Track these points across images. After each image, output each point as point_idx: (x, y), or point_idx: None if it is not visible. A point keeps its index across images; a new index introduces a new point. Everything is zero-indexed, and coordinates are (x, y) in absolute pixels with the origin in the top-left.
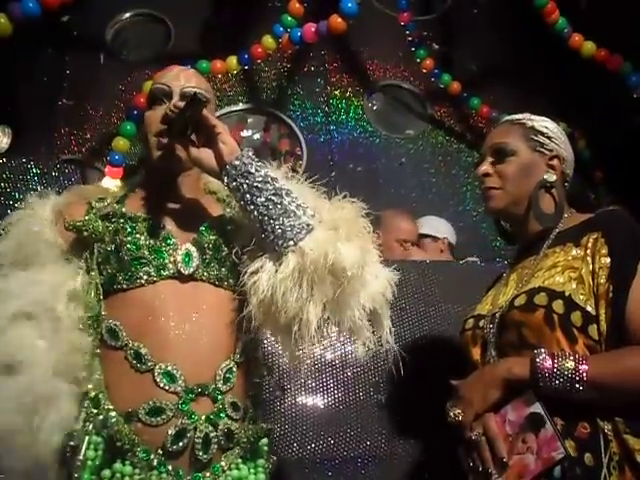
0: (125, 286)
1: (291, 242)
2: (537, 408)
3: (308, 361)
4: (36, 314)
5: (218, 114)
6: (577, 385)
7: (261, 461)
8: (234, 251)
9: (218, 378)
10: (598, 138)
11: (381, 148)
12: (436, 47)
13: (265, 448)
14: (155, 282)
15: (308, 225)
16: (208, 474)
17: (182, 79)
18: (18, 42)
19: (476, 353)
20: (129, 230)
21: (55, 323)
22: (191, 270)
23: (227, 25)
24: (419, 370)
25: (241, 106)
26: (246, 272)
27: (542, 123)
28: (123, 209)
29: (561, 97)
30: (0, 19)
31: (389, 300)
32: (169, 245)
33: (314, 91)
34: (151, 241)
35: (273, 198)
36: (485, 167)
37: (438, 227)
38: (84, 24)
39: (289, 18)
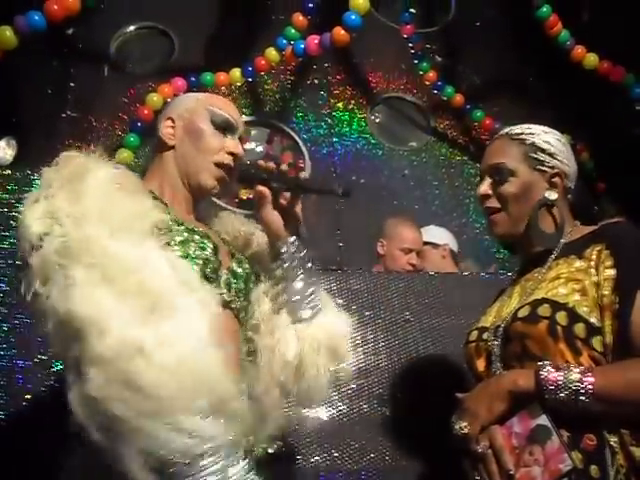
0: None
1: (311, 318)
2: (543, 420)
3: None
4: None
5: None
6: (583, 397)
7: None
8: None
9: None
10: (601, 150)
11: (384, 160)
12: (439, 59)
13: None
14: None
15: (320, 308)
16: None
17: (241, 119)
18: (23, 55)
19: (480, 365)
20: (200, 245)
21: None
22: (230, 298)
23: (231, 38)
24: (423, 382)
25: (244, 118)
26: (269, 326)
27: (543, 137)
28: (177, 217)
29: (564, 109)
30: (6, 32)
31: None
32: (219, 269)
33: (317, 103)
34: (215, 262)
35: (309, 279)
36: (484, 188)
37: (438, 235)
38: (89, 37)
39: (292, 31)
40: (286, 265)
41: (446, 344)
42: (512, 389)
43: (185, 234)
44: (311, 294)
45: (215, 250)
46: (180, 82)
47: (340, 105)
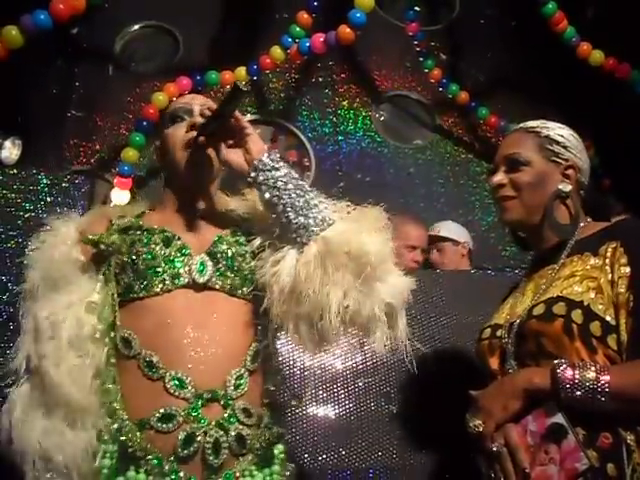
0: (141, 295)
1: (313, 232)
2: (559, 418)
3: (319, 371)
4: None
5: None
6: (599, 396)
7: (276, 468)
8: (249, 252)
9: (228, 384)
10: (607, 146)
11: (389, 158)
12: (444, 57)
13: (281, 455)
14: (170, 291)
15: (330, 218)
16: None
17: (198, 100)
18: (29, 54)
19: (494, 363)
20: (145, 241)
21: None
22: (205, 279)
23: (236, 36)
24: (431, 380)
25: (249, 117)
26: (267, 262)
27: (557, 131)
28: (140, 222)
29: (569, 106)
30: (12, 31)
31: (406, 301)
32: (184, 255)
33: (322, 102)
34: (166, 251)
35: (298, 191)
36: (499, 177)
37: (458, 231)
38: (93, 36)
39: (297, 29)
40: (264, 193)
41: (454, 342)
42: (528, 387)
43: (136, 237)
44: (305, 208)
45: (167, 240)
46: (185, 81)
47: (345, 103)
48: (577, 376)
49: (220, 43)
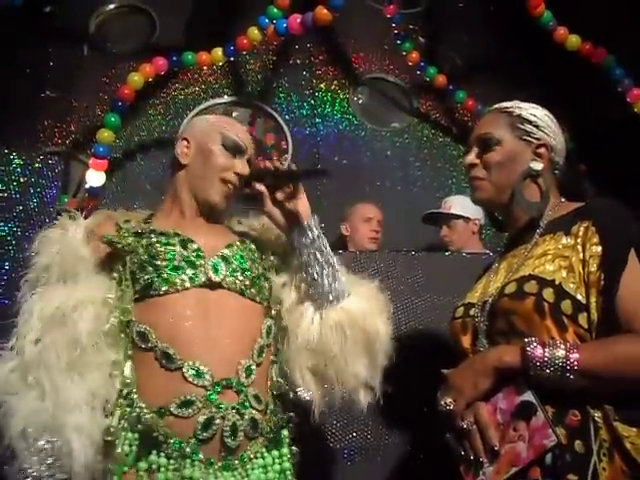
0: (161, 292)
1: (335, 301)
2: (528, 396)
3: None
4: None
5: (202, 107)
6: (568, 373)
7: (285, 450)
8: (271, 261)
9: (240, 373)
10: (582, 131)
11: (367, 141)
12: (422, 40)
13: (287, 440)
14: (188, 289)
15: (347, 292)
16: (237, 461)
17: (252, 142)
18: (1, 32)
19: (466, 341)
20: (163, 242)
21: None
22: (220, 278)
23: (212, 16)
24: (405, 361)
25: (226, 99)
26: (291, 313)
27: (530, 111)
28: (152, 227)
29: (546, 90)
30: None
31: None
32: (199, 257)
33: (300, 84)
34: (184, 252)
35: (329, 262)
36: (471, 157)
37: (470, 207)
38: (67, 15)
39: (275, 9)
40: (302, 254)
41: (428, 323)
42: (498, 365)
43: (153, 239)
44: (331, 277)
45: (184, 242)
46: (161, 61)
47: (323, 86)
48: (547, 354)
49: (197, 23)
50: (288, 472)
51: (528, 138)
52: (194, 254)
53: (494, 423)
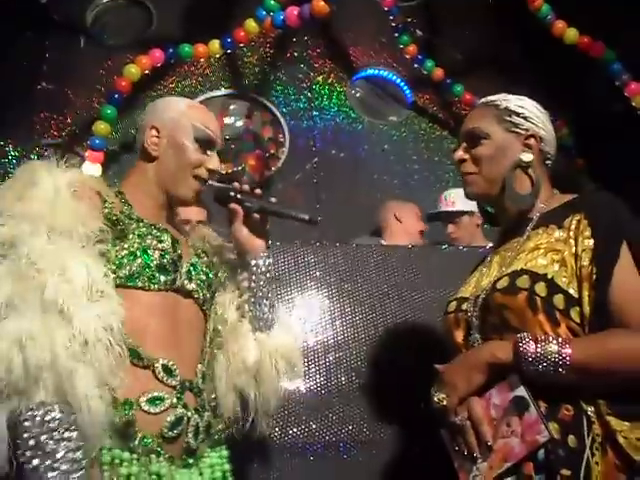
0: (144, 286)
1: (271, 329)
2: (521, 392)
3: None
4: None
5: (199, 99)
6: (560, 369)
7: (224, 452)
8: (221, 276)
9: (198, 376)
10: (580, 126)
11: (364, 134)
12: (419, 33)
13: (223, 442)
14: (167, 290)
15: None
16: (192, 460)
17: (221, 137)
18: None
19: (459, 336)
20: (158, 237)
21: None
22: (191, 287)
23: (209, 8)
24: (401, 355)
25: (223, 91)
26: (238, 333)
27: (517, 102)
28: (137, 214)
29: (544, 84)
30: None
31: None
32: (179, 261)
33: (297, 77)
34: (173, 256)
35: (271, 290)
36: (460, 153)
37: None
38: (64, 7)
39: (272, 2)
40: (253, 279)
41: (425, 317)
42: (490, 361)
43: (144, 229)
44: (272, 306)
45: (174, 243)
46: (158, 54)
47: (320, 79)
48: (539, 349)
49: (194, 15)
50: (228, 474)
51: (516, 130)
52: (177, 257)
53: (487, 418)
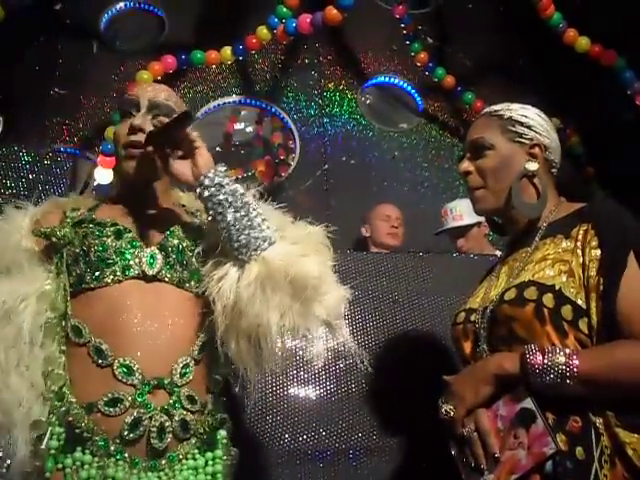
0: (92, 285)
1: (254, 252)
2: (528, 403)
3: (300, 352)
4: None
5: (212, 105)
6: (568, 380)
7: (219, 452)
8: (195, 252)
9: (174, 372)
10: (591, 134)
11: (374, 141)
12: (430, 41)
13: (224, 441)
14: (120, 282)
15: (271, 238)
16: (164, 462)
17: (151, 91)
18: (10, 29)
19: (467, 347)
20: (97, 233)
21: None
22: (155, 271)
23: (221, 15)
24: (411, 362)
25: (234, 98)
26: (212, 279)
27: (520, 112)
28: (93, 216)
29: (555, 92)
30: None
31: (342, 314)
32: (135, 248)
33: (308, 84)
34: (117, 243)
35: (241, 211)
36: (465, 165)
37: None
38: (77, 13)
39: (284, 9)
40: (209, 209)
41: (435, 324)
42: (498, 372)
43: (88, 229)
44: (247, 227)
45: (120, 233)
46: (170, 60)
47: (331, 85)
48: (547, 361)
49: (206, 22)
50: (219, 475)
51: (520, 139)
52: (128, 245)
53: (494, 430)
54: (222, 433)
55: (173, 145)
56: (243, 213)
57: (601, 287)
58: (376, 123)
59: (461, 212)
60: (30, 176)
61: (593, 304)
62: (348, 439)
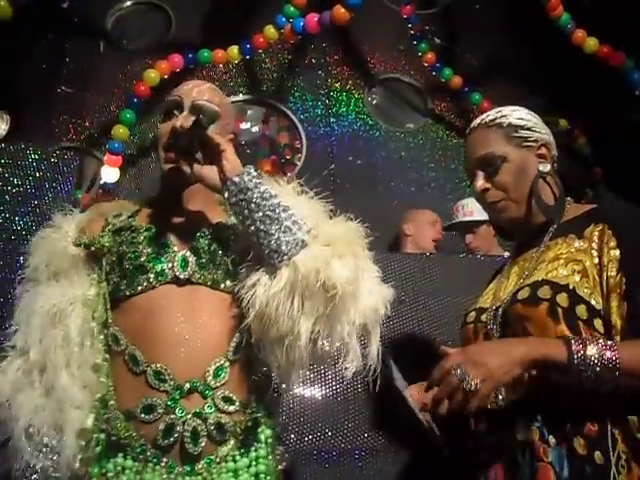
0: (127, 293)
1: (285, 257)
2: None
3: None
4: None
5: None
6: (611, 372)
7: (262, 452)
8: (230, 258)
9: (207, 375)
10: (599, 135)
11: (381, 141)
12: (438, 41)
13: (269, 440)
14: (154, 287)
15: (303, 241)
16: (201, 466)
17: (195, 92)
18: (18, 27)
19: None
20: (131, 241)
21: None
22: (187, 274)
23: (229, 14)
24: (418, 362)
25: (241, 97)
26: (244, 285)
27: (516, 115)
28: (132, 222)
29: (562, 93)
30: (0, 2)
31: (381, 318)
32: (167, 253)
33: (315, 83)
34: (149, 249)
35: (270, 214)
36: (481, 182)
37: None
38: (85, 11)
39: (292, 8)
40: (237, 213)
41: (442, 325)
42: (539, 358)
43: (124, 237)
44: (278, 230)
45: (151, 239)
46: (177, 59)
47: (338, 85)
48: (591, 352)
49: (213, 21)
50: (262, 475)
51: (527, 143)
52: (161, 250)
53: None
54: (267, 432)
55: (198, 149)
56: (273, 216)
57: (623, 287)
58: (383, 123)
59: (472, 209)
60: (37, 174)
61: (614, 304)
62: (354, 439)
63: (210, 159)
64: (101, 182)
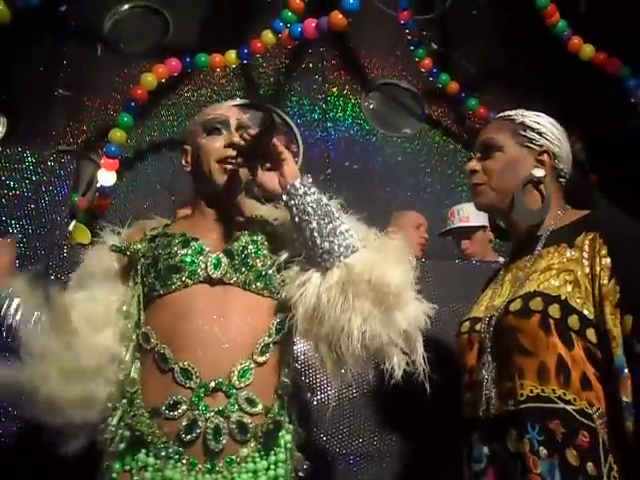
0: (161, 292)
1: (337, 258)
2: None
3: (302, 357)
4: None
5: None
6: None
7: (282, 456)
8: (276, 261)
9: (232, 375)
10: (595, 141)
11: (377, 146)
12: (435, 47)
13: (288, 445)
14: (187, 287)
15: (354, 246)
16: (221, 464)
17: (237, 112)
18: (16, 31)
19: (472, 357)
20: (165, 243)
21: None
22: (219, 274)
23: (227, 19)
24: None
25: (238, 101)
26: (294, 284)
27: (533, 118)
28: (167, 230)
29: (558, 99)
30: None
31: (422, 328)
32: (201, 254)
33: (312, 88)
34: (184, 251)
35: (325, 218)
36: (472, 163)
37: (483, 215)
38: (82, 15)
39: (289, 13)
40: (294, 216)
41: (436, 331)
42: None
43: (159, 242)
44: (331, 234)
45: (186, 243)
46: (174, 62)
47: (335, 90)
48: None
49: (211, 25)
50: (281, 479)
51: (530, 145)
52: (195, 251)
53: None
54: (287, 437)
55: (261, 157)
56: (327, 221)
57: (617, 295)
58: (379, 128)
59: (468, 214)
60: (34, 177)
61: (607, 310)
62: (348, 444)
63: (272, 166)
64: (98, 185)
